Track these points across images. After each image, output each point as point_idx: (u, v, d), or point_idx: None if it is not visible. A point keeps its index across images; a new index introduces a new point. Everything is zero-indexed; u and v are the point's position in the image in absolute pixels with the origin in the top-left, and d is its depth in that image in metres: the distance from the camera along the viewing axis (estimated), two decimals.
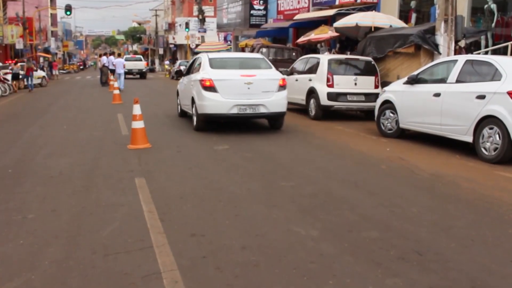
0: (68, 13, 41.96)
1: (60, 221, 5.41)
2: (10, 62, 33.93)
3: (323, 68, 13.78)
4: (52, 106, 18.94)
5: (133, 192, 6.48)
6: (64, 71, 60.38)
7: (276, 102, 11.36)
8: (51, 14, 68.43)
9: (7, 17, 45.79)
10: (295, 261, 4.32)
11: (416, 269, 4.17)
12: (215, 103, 11.09)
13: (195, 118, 11.81)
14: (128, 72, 37.62)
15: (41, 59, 48.69)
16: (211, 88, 11.12)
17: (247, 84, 11.12)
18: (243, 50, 34.67)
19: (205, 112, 11.27)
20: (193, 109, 11.86)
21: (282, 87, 11.54)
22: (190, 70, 13.27)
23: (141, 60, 43.23)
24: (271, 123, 12.34)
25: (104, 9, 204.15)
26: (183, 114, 14.16)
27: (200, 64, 12.20)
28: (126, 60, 37.74)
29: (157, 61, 74.82)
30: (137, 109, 9.81)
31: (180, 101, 14.31)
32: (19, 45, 41.93)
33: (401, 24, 17.03)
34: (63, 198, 6.30)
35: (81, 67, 74.64)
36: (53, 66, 47.01)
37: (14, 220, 5.43)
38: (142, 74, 40.62)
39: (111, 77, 27.54)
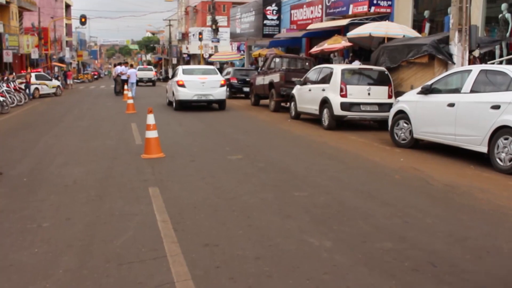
0: (83, 23, 42.36)
1: (74, 230, 5.44)
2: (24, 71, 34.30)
3: (336, 78, 13.77)
4: (66, 115, 19.10)
5: (147, 202, 6.51)
6: (79, 81, 60.89)
7: (219, 93, 19.56)
8: (66, 24, 69.14)
9: (23, 27, 46.38)
10: (309, 272, 4.30)
11: (430, 281, 4.13)
12: (184, 93, 19.33)
13: (174, 103, 20.09)
14: (140, 80, 44.64)
15: (56, 69, 49.19)
16: (182, 85, 19.32)
17: (202, 83, 19.37)
18: (256, 60, 34.80)
19: (179, 98, 19.53)
20: (174, 97, 20.12)
21: (223, 85, 19.75)
22: (173, 76, 22.12)
23: (151, 70, 51.70)
24: (219, 106, 20.37)
25: (118, 19, 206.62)
26: (170, 104, 21.65)
27: (177, 72, 20.80)
28: (139, 70, 47.09)
29: (170, 71, 75.19)
30: (151, 119, 9.86)
31: (167, 94, 22.94)
32: (35, 55, 42.40)
33: (415, 34, 16.98)
34: (77, 207, 6.34)
35: (95, 76, 75.19)
36: (67, 76, 47.46)
37: (29, 229, 5.47)
38: (152, 82, 47.90)
39: (125, 87, 27.81)
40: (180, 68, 20.95)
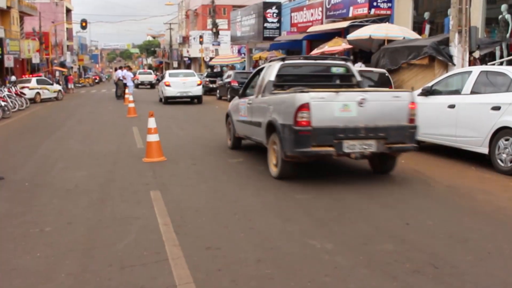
0: (83, 27, 42.47)
1: (76, 234, 5.45)
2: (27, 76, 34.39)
3: None
4: (68, 119, 19.13)
5: (149, 205, 6.52)
6: (80, 85, 60.94)
7: (196, 91, 25.50)
8: (67, 28, 69.25)
9: (24, 32, 46.47)
10: (310, 274, 4.32)
11: (432, 282, 4.14)
12: (170, 91, 25.28)
13: (163, 99, 26.24)
14: (141, 83, 49.14)
15: (57, 73, 49.25)
16: (168, 85, 25.27)
17: (184, 83, 25.33)
18: (257, 62, 34.84)
19: (166, 95, 25.53)
20: (162, 95, 26.26)
21: (199, 84, 25.73)
22: (162, 78, 30.40)
23: (151, 73, 55.45)
24: (197, 101, 26.12)
25: (119, 23, 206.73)
26: (160, 100, 27.30)
27: (164, 75, 27.91)
28: (140, 73, 52.85)
29: None
30: (152, 123, 9.88)
31: (158, 93, 28.88)
32: (36, 60, 42.47)
33: (415, 35, 17.03)
34: (79, 211, 6.35)
35: (97, 80, 75.30)
36: (68, 80, 47.50)
37: (31, 233, 5.49)
38: (151, 85, 49.73)
39: (126, 91, 27.95)
40: (167, 72, 29.10)
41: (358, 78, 9.45)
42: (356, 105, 7.30)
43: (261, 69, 9.75)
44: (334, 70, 9.56)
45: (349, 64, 9.66)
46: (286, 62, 9.17)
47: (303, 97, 7.26)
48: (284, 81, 9.06)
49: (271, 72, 9.02)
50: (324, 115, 7.25)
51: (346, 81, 9.47)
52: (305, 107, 7.19)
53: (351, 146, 7.32)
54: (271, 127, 8.15)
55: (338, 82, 9.57)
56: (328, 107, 7.27)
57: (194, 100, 26.06)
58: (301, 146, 7.26)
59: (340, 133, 7.25)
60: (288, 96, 7.74)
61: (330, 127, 7.24)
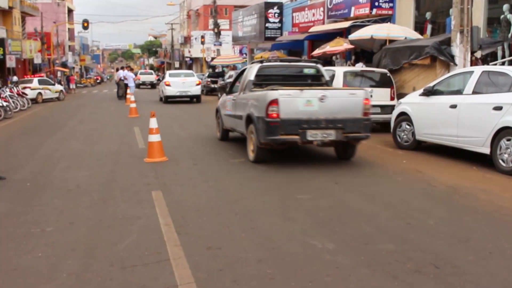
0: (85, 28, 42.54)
1: (77, 233, 5.46)
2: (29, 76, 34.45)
3: (338, 80, 13.77)
4: (69, 119, 19.15)
5: (150, 205, 6.53)
6: (81, 85, 60.99)
7: (195, 90, 26.59)
8: (68, 29, 69.34)
9: (26, 32, 46.54)
10: (311, 274, 4.32)
11: (433, 282, 4.14)
12: (170, 91, 26.38)
13: (163, 98, 27.15)
14: (142, 83, 50.21)
15: (59, 73, 49.31)
16: (168, 85, 26.40)
17: (183, 83, 26.51)
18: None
19: (166, 94, 26.63)
20: (163, 94, 27.32)
21: (198, 84, 26.78)
22: (162, 78, 32.41)
23: (152, 74, 56.77)
24: (196, 100, 27.24)
25: (120, 23, 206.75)
26: (160, 99, 28.46)
27: (165, 76, 29.21)
28: (141, 74, 54.00)
29: None
30: (153, 123, 9.89)
31: (159, 92, 29.96)
32: (37, 60, 42.51)
33: (417, 35, 17.02)
34: (81, 211, 6.36)
35: (98, 81, 75.37)
36: (70, 80, 47.54)
37: (32, 233, 5.49)
38: (152, 85, 50.89)
39: (128, 91, 28.03)
40: (167, 72, 30.56)
41: (327, 78, 10.88)
42: (318, 101, 8.71)
43: (245, 70, 11.20)
44: (306, 71, 11.15)
45: (319, 66, 11.10)
46: (264, 64, 10.74)
47: (273, 94, 8.68)
48: (262, 81, 10.39)
49: (251, 72, 10.47)
50: (291, 109, 8.66)
51: (316, 81, 10.87)
52: (274, 102, 8.64)
53: (313, 135, 8.74)
54: (249, 119, 9.52)
55: (309, 81, 10.97)
56: (294, 102, 8.68)
57: (193, 99, 27.17)
58: (271, 135, 8.70)
59: (304, 124, 8.66)
60: (261, 93, 9.14)
61: (296, 119, 8.65)
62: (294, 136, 8.70)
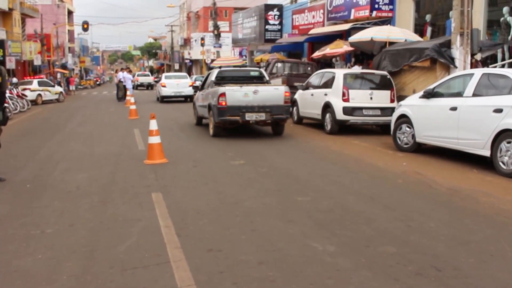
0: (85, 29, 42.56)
1: (77, 235, 5.45)
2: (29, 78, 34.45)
3: (338, 82, 13.78)
4: (69, 121, 19.14)
5: (150, 207, 6.52)
6: (81, 87, 60.99)
7: (188, 91, 28.02)
8: (68, 30, 69.36)
9: (26, 33, 46.53)
10: (312, 276, 4.31)
11: (434, 284, 4.13)
12: (166, 91, 28.74)
13: (159, 98, 29.80)
14: (140, 85, 53.53)
15: (59, 75, 49.30)
16: (164, 86, 28.88)
17: (177, 84, 28.75)
18: (258, 64, 34.82)
19: (162, 94, 29.10)
20: (159, 94, 29.91)
21: (191, 86, 27.27)
22: (158, 80, 36.01)
23: (149, 75, 61.43)
24: (190, 100, 25.51)
25: (120, 25, 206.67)
26: (157, 99, 30.90)
27: (161, 78, 32.85)
28: (138, 75, 57.50)
29: None
30: (153, 125, 9.88)
31: (156, 92, 32.98)
32: (37, 61, 42.52)
33: (416, 38, 17.00)
34: (81, 213, 6.35)
35: (98, 82, 75.34)
36: (70, 82, 47.54)
37: (32, 235, 5.49)
38: (150, 86, 54.42)
39: (128, 93, 28.07)
40: (163, 75, 35.02)
41: (267, 78, 15.06)
42: (252, 93, 12.64)
43: (210, 73, 15.44)
44: (252, 73, 15.16)
45: (262, 70, 15.66)
46: (222, 69, 15.33)
47: (222, 89, 12.69)
48: (220, 81, 14.25)
49: (213, 75, 14.78)
50: (234, 99, 12.54)
51: (259, 80, 14.74)
52: (223, 94, 12.56)
53: (250, 116, 12.67)
54: (209, 107, 13.49)
55: (255, 81, 14.63)
56: (236, 94, 12.59)
57: (187, 99, 28.85)
58: (222, 116, 12.64)
59: (243, 109, 12.58)
60: (215, 89, 13.12)
61: (237, 105, 12.55)
62: (237, 117, 12.57)
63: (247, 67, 17.04)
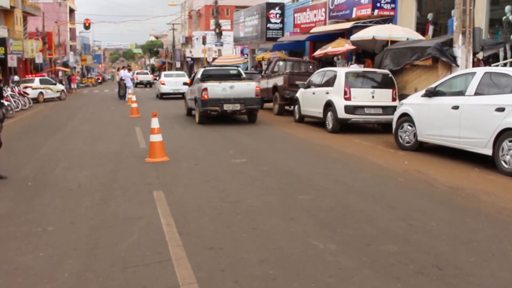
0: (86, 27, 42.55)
1: (79, 233, 5.45)
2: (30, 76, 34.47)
3: (340, 81, 13.76)
4: (70, 119, 19.15)
5: (151, 205, 6.52)
6: (83, 85, 61.01)
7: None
8: (70, 28, 69.38)
9: (27, 32, 46.56)
10: (314, 275, 4.30)
11: (435, 283, 4.13)
12: (165, 88, 31.22)
13: (159, 95, 32.08)
14: (140, 83, 55.32)
15: (60, 73, 49.32)
16: (163, 84, 31.39)
17: (176, 82, 30.87)
18: (259, 63, 34.83)
19: (161, 92, 31.52)
20: (158, 91, 32.27)
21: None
22: (158, 78, 36.16)
23: (148, 74, 64.00)
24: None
25: (122, 23, 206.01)
26: (156, 96, 33.22)
27: (160, 76, 34.15)
28: (138, 74, 58.99)
29: None
30: (155, 123, 9.88)
31: (155, 90, 34.87)
32: (39, 59, 42.56)
33: (418, 36, 16.98)
34: (82, 210, 6.35)
35: (99, 80, 75.37)
36: (71, 80, 47.57)
37: (34, 232, 5.49)
38: (149, 84, 56.60)
39: (129, 91, 28.06)
40: (163, 73, 36.37)
41: (244, 75, 18.26)
42: (229, 88, 15.40)
43: (197, 72, 18.39)
44: (231, 72, 18.35)
45: (239, 68, 19.22)
46: (207, 68, 18.79)
47: (204, 85, 15.50)
48: (205, 78, 17.13)
49: (199, 73, 17.88)
50: (214, 93, 15.26)
51: (238, 77, 17.79)
52: (205, 89, 15.29)
53: (227, 107, 15.33)
54: (195, 100, 16.22)
55: (234, 78, 17.51)
56: (216, 89, 15.33)
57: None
58: (204, 107, 15.42)
59: (222, 101, 15.27)
60: (199, 85, 15.81)
61: (217, 98, 15.25)
62: (216, 107, 15.30)
63: (229, 66, 20.87)
